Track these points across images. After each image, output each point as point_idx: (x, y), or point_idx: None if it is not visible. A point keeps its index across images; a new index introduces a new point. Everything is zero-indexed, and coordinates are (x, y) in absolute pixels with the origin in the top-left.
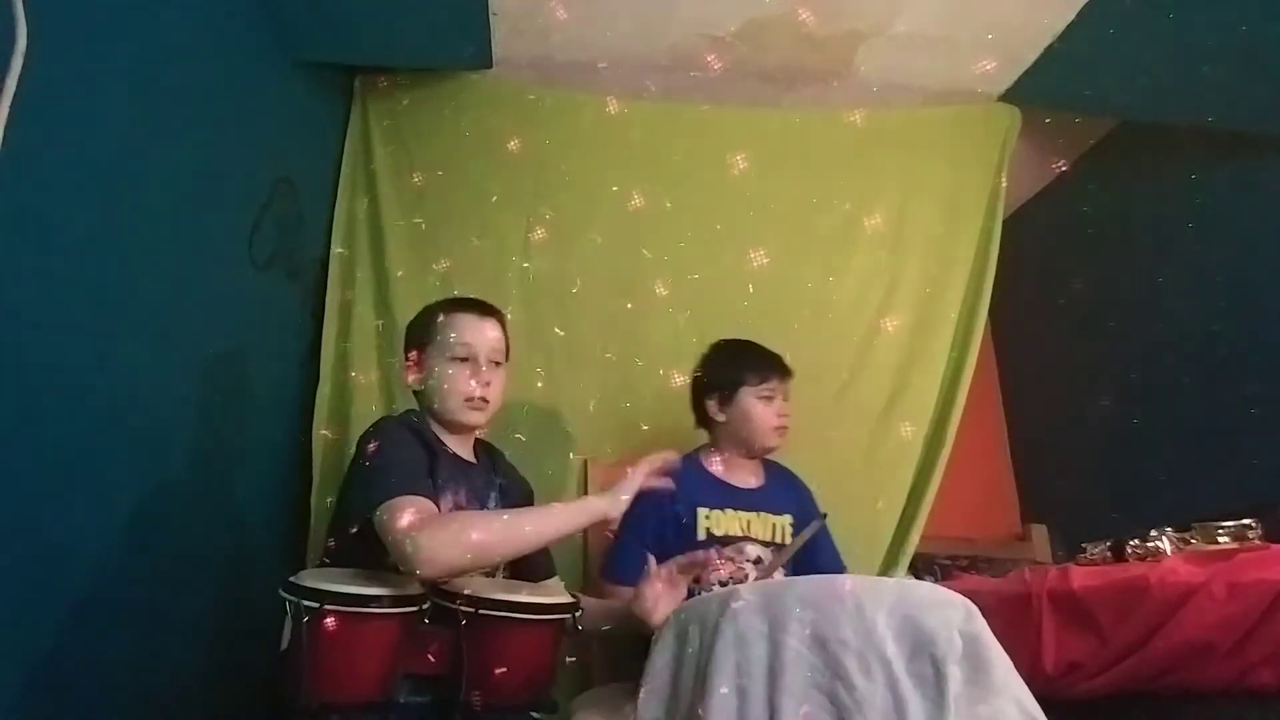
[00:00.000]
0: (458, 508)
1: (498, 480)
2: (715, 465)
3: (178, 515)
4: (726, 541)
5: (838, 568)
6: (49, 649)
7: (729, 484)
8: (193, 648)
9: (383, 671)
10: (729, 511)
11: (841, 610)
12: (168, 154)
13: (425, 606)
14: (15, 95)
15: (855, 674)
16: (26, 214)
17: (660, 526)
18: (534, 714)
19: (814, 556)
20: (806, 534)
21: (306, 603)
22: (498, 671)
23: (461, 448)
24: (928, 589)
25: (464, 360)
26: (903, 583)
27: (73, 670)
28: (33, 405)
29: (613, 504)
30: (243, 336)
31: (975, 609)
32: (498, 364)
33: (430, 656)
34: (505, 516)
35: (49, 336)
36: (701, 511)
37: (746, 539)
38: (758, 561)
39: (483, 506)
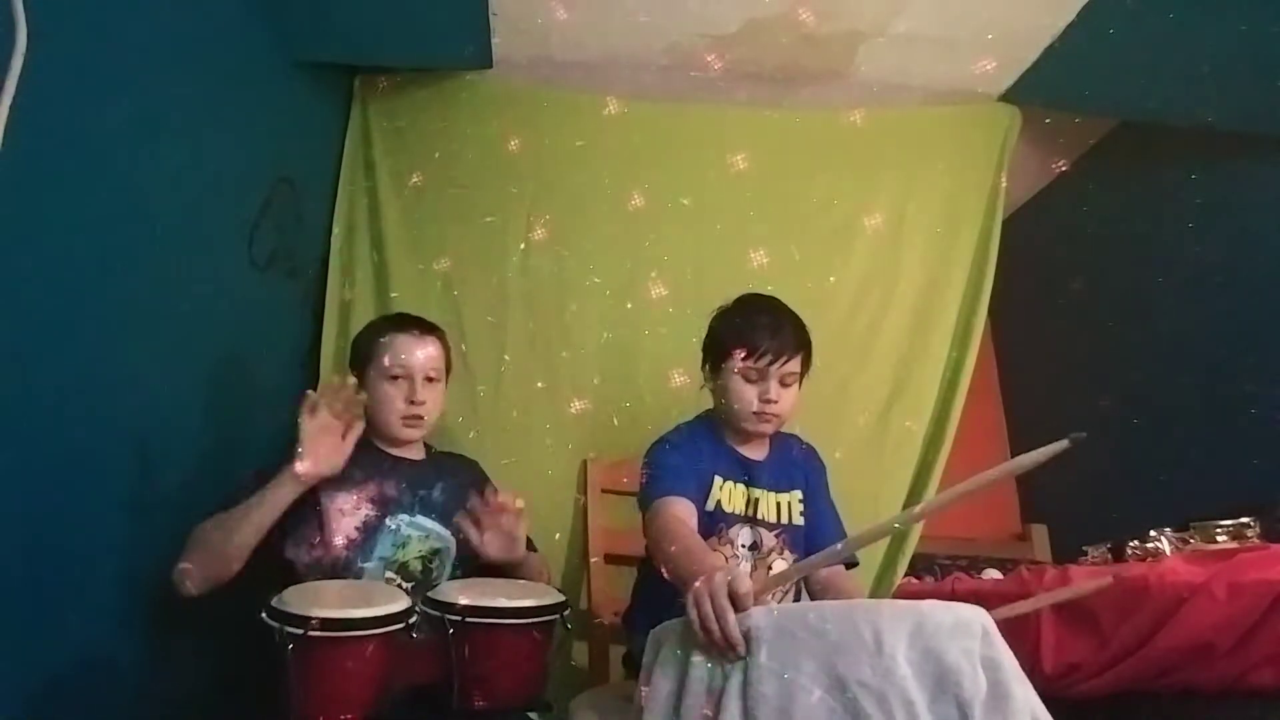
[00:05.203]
0: (381, 497)
1: (445, 472)
2: (726, 431)
3: (177, 515)
4: (731, 521)
5: (839, 534)
6: (49, 650)
7: (739, 453)
8: (192, 648)
9: (373, 688)
10: (739, 487)
11: (860, 646)
12: (168, 154)
13: (413, 620)
14: (15, 95)
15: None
16: (26, 214)
17: (696, 476)
18: (530, 714)
19: (818, 527)
20: (812, 563)
21: (289, 629)
22: (489, 675)
23: (403, 448)
24: (944, 611)
25: (399, 379)
26: (919, 607)
27: (73, 672)
28: (32, 405)
29: (300, 465)
30: (243, 336)
31: (990, 622)
32: (432, 380)
33: (421, 666)
34: (209, 523)
35: (48, 337)
36: (717, 481)
37: (749, 520)
38: (753, 548)
39: (424, 494)
